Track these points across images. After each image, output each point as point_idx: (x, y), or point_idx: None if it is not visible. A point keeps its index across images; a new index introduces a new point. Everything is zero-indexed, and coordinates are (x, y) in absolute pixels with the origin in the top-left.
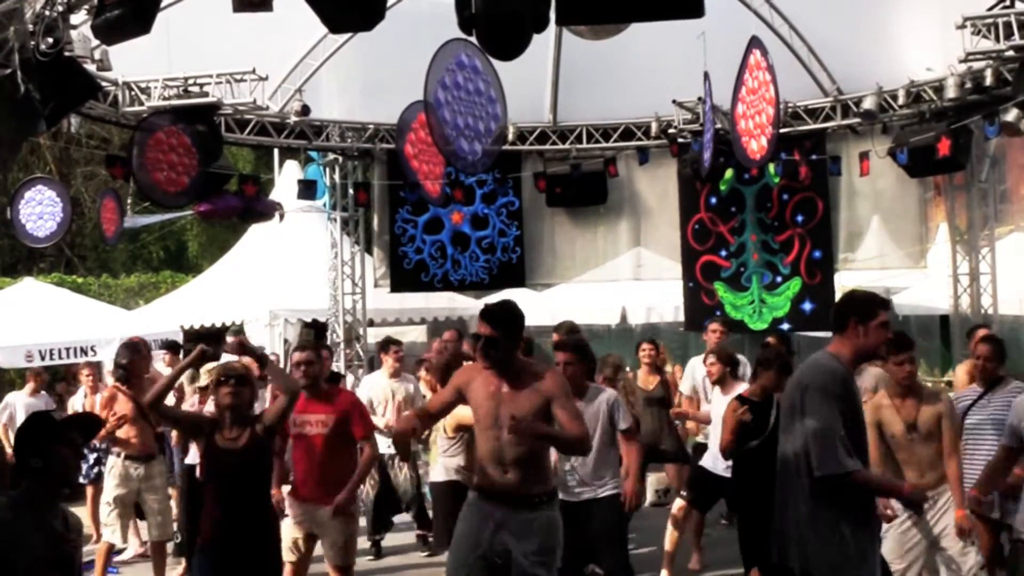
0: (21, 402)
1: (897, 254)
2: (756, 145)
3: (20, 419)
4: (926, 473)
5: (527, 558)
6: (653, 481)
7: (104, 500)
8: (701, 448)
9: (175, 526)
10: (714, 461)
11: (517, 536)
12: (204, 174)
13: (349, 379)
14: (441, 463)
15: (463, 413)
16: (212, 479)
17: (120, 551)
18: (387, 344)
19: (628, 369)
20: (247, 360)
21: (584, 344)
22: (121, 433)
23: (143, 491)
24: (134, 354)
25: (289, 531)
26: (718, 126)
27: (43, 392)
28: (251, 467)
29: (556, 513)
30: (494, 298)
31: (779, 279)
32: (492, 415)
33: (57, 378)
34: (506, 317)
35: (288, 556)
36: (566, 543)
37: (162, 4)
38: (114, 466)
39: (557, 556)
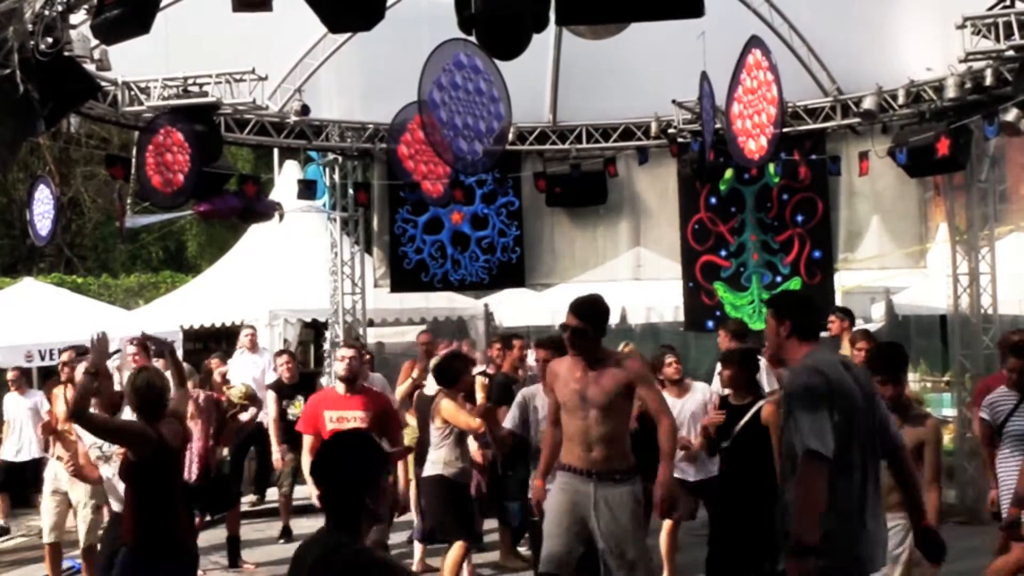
0: (13, 402)
1: (897, 254)
2: (755, 145)
3: (16, 419)
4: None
5: (612, 534)
6: None
7: (43, 500)
8: None
9: None
10: (683, 471)
11: (602, 510)
12: (199, 171)
13: None
14: (430, 457)
15: (448, 409)
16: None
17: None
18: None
19: None
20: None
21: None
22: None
23: (71, 493)
24: (78, 358)
25: None
26: (718, 126)
27: (31, 389)
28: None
29: (637, 487)
30: (494, 298)
31: (779, 279)
32: (579, 397)
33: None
34: (592, 310)
35: None
36: None
37: (161, 4)
38: (49, 467)
39: (640, 527)
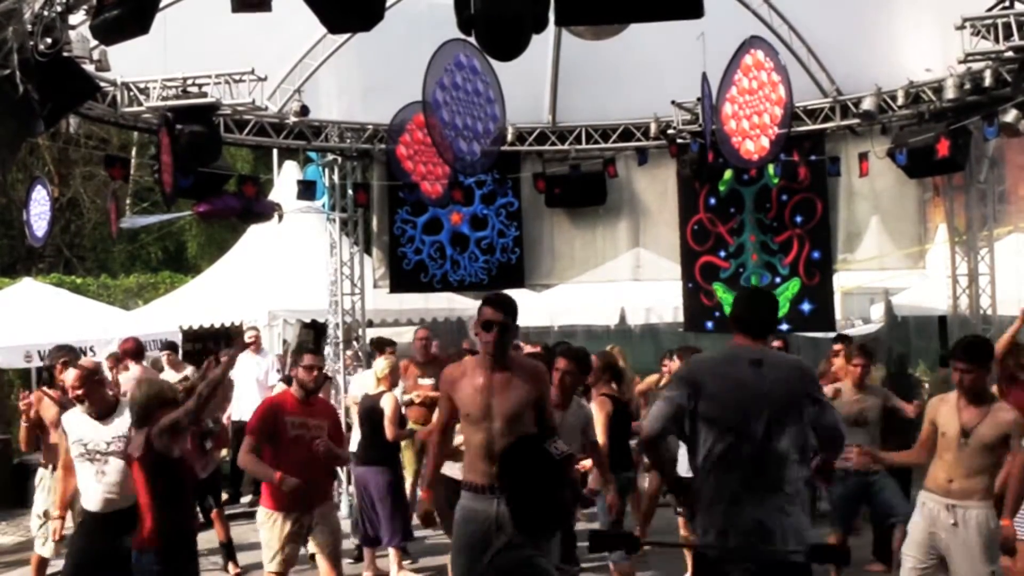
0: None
1: (896, 255)
2: (753, 146)
3: None
4: (957, 480)
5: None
6: None
7: (35, 512)
8: None
9: None
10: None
11: (504, 530)
12: (176, 171)
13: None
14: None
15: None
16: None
17: None
18: (381, 344)
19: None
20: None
21: (585, 355)
22: (54, 439)
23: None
24: (66, 357)
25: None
26: (716, 127)
27: None
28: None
29: None
30: None
31: (778, 280)
32: (483, 408)
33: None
34: (512, 305)
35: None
36: None
37: (161, 4)
38: (43, 477)
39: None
